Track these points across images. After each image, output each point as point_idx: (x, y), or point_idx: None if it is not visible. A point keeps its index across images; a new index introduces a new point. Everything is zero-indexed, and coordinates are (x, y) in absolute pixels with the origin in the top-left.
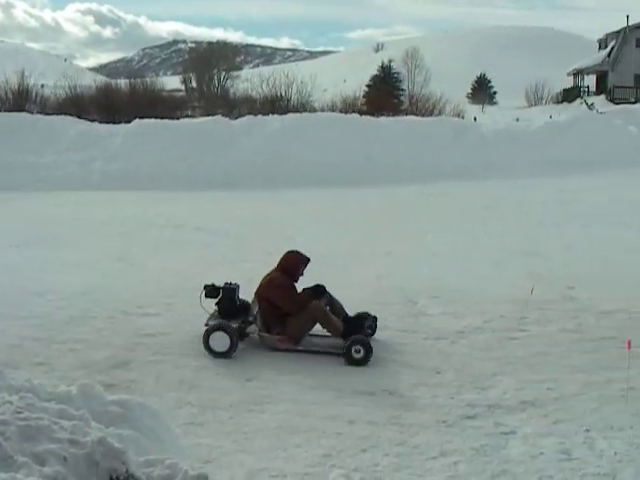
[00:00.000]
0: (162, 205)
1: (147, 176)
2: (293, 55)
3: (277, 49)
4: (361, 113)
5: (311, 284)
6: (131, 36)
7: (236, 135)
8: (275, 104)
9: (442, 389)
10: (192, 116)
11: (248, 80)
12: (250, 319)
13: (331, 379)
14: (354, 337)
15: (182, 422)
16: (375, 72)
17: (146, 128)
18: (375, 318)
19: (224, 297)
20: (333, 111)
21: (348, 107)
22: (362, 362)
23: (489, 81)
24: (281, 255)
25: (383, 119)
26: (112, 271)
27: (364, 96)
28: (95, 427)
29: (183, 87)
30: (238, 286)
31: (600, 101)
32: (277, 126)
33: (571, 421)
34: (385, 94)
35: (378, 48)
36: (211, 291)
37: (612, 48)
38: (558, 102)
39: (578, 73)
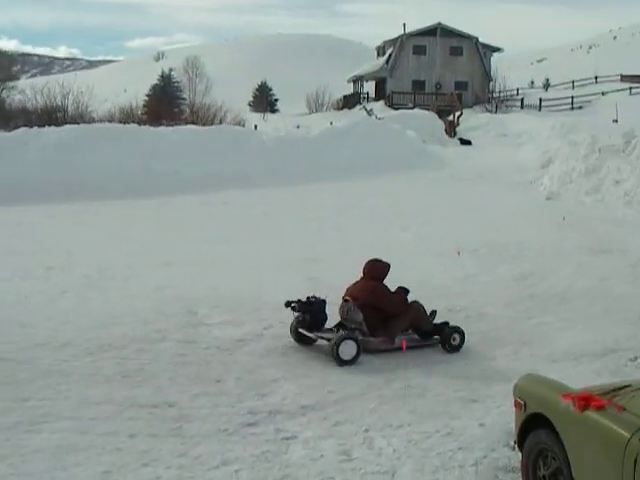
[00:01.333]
0: None
1: None
2: (72, 65)
3: (55, 58)
4: (141, 123)
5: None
6: None
7: (11, 148)
8: (52, 115)
9: (223, 398)
10: None
11: (23, 91)
12: (353, 326)
13: (112, 393)
14: (449, 327)
15: None
16: (156, 81)
17: None
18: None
19: (316, 309)
20: (112, 121)
21: (127, 117)
22: (459, 348)
23: (270, 89)
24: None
25: (162, 129)
26: None
27: (144, 105)
28: None
29: None
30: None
31: (380, 107)
32: (54, 138)
33: (351, 422)
34: (165, 103)
35: (159, 57)
36: (303, 305)
37: (390, 55)
38: (339, 108)
39: (358, 80)
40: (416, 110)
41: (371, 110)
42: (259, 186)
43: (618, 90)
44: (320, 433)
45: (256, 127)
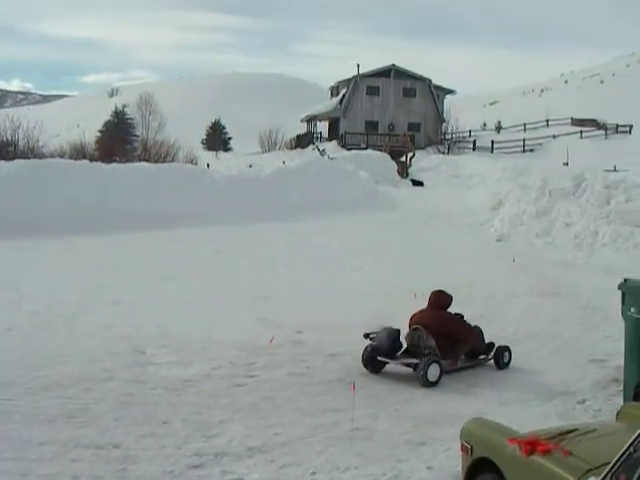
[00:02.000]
0: None
1: None
2: (25, 99)
3: (8, 92)
4: (93, 159)
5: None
6: None
7: None
8: (2, 150)
9: (169, 439)
10: None
11: None
12: (426, 351)
13: (56, 434)
14: (499, 346)
15: None
16: (109, 117)
17: None
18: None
19: (392, 338)
20: (62, 157)
21: (79, 153)
22: (507, 364)
23: (224, 127)
24: None
25: (114, 165)
26: None
27: (97, 142)
28: None
29: None
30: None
31: (333, 147)
32: (3, 172)
33: (298, 465)
34: (118, 140)
35: (113, 93)
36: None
37: (344, 95)
38: (292, 148)
39: (311, 119)
40: (369, 151)
41: (324, 150)
42: (211, 224)
43: (569, 133)
44: (267, 476)
45: (209, 165)
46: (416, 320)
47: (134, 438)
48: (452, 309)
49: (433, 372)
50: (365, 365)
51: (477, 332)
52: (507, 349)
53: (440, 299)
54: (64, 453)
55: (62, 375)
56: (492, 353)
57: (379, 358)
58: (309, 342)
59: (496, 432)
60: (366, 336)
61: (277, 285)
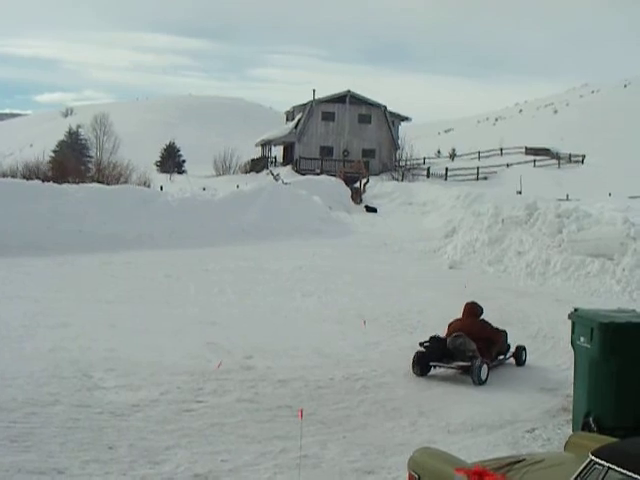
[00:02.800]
0: None
1: None
2: None
3: None
4: (45, 179)
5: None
6: None
7: None
8: None
9: (115, 465)
10: None
11: None
12: (470, 354)
13: None
14: (518, 346)
15: None
16: (63, 137)
17: None
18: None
19: (442, 345)
20: (14, 176)
21: (31, 173)
22: (524, 361)
23: (178, 150)
24: None
25: (67, 186)
26: None
27: (50, 162)
28: None
29: None
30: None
31: (287, 172)
32: None
33: None
34: (71, 160)
35: (67, 113)
36: (436, 342)
37: (299, 120)
38: (246, 172)
39: (266, 144)
40: (323, 176)
41: (278, 175)
42: (162, 247)
43: (522, 162)
44: None
45: (162, 188)
46: (457, 327)
47: (79, 464)
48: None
49: (484, 372)
50: (414, 368)
51: (503, 335)
52: (524, 349)
53: (475, 309)
54: (6, 478)
55: (6, 398)
56: (511, 352)
57: (431, 363)
58: (259, 368)
59: (444, 462)
60: (421, 344)
61: (227, 310)
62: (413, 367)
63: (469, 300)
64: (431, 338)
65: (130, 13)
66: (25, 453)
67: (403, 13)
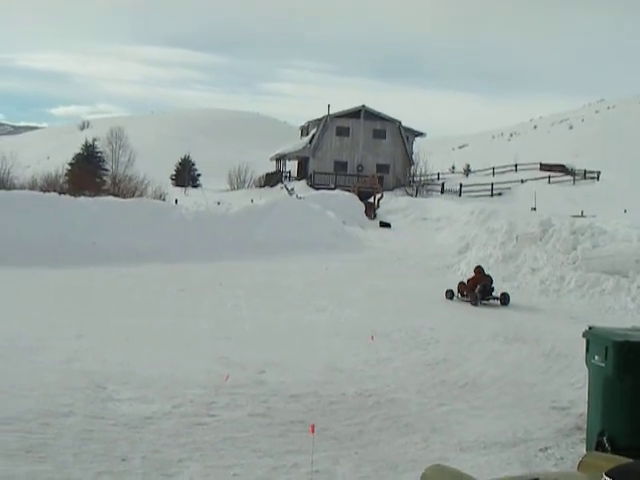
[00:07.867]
0: None
1: None
2: None
3: None
4: (62, 192)
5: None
6: None
7: None
8: None
9: (128, 477)
10: None
11: None
12: (492, 293)
13: (14, 469)
14: (503, 292)
15: None
16: (79, 150)
17: None
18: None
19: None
20: (33, 189)
21: (50, 185)
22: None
23: (193, 163)
24: None
25: (83, 199)
26: None
27: (67, 174)
28: None
29: None
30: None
31: (301, 186)
32: None
33: None
34: (88, 173)
35: (84, 126)
36: (462, 285)
37: (314, 135)
38: (260, 186)
39: (281, 158)
40: (337, 191)
41: (292, 189)
42: (176, 261)
43: (537, 178)
44: None
45: (177, 201)
46: (475, 281)
47: (92, 475)
48: None
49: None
50: (447, 295)
51: (490, 279)
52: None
53: (482, 269)
54: None
55: (21, 409)
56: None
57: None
58: (271, 382)
59: None
60: (458, 288)
61: (240, 324)
62: (446, 295)
63: (478, 264)
64: (460, 283)
65: (141, 27)
66: (40, 464)
67: (416, 28)
